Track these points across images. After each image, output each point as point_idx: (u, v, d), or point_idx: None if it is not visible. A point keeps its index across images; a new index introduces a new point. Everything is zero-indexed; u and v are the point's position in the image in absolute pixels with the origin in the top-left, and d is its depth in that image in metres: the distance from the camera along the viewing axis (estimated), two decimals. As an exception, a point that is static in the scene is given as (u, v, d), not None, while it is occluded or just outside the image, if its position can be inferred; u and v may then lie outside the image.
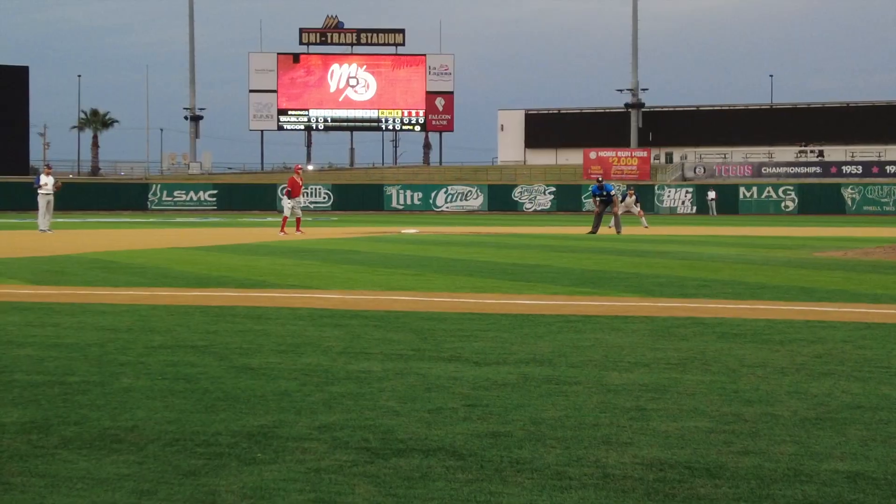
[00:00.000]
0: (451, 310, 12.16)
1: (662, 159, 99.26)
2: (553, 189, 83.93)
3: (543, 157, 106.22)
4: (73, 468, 5.27)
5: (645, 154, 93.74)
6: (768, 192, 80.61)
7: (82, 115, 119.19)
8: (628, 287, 15.19)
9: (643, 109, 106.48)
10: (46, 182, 36.44)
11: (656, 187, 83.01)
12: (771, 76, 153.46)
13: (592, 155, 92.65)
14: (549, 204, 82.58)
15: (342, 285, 15.47)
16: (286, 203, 36.04)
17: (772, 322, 10.99)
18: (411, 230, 40.54)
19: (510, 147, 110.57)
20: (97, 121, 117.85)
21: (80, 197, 79.97)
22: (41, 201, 36.38)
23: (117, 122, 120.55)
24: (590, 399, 6.95)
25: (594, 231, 37.92)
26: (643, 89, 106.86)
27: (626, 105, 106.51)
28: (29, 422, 6.25)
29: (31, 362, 8.38)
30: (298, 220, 36.07)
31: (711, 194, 79.58)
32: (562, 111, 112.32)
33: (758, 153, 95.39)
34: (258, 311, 12.00)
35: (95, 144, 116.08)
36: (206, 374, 7.86)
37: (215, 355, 8.73)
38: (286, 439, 5.83)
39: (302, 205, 37.17)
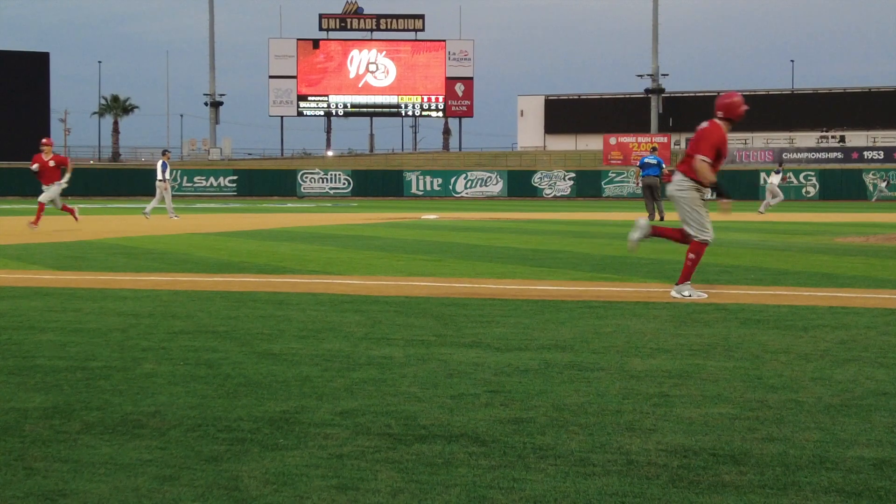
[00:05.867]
0: (472, 295, 12.13)
1: (683, 145, 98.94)
2: (573, 175, 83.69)
3: (563, 143, 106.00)
4: (96, 453, 5.27)
5: (665, 140, 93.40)
6: (789, 177, 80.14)
7: (103, 101, 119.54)
8: (650, 273, 15.13)
9: (663, 95, 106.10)
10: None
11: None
12: (792, 61, 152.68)
13: (612, 140, 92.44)
14: (569, 190, 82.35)
15: (363, 271, 15.45)
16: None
17: (794, 308, 10.92)
18: (431, 216, 40.51)
19: (530, 133, 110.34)
20: (118, 107, 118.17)
21: (101, 183, 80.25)
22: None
23: (137, 107, 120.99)
24: (612, 385, 6.92)
25: (652, 217, 32.71)
26: (663, 75, 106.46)
27: (647, 90, 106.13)
28: (51, 407, 6.25)
29: (52, 347, 8.38)
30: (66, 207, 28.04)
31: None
32: (582, 97, 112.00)
33: (778, 139, 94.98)
34: (279, 296, 11.99)
35: (116, 130, 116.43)
36: (227, 359, 7.85)
37: (237, 341, 8.72)
38: (308, 425, 5.81)
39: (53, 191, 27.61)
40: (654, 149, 38.44)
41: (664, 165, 35.13)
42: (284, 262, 17.10)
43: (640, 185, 35.10)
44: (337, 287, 13.09)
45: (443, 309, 10.81)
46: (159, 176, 36.55)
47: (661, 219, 33.06)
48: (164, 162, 36.98)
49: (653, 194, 34.40)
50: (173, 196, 36.12)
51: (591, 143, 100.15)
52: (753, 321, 9.94)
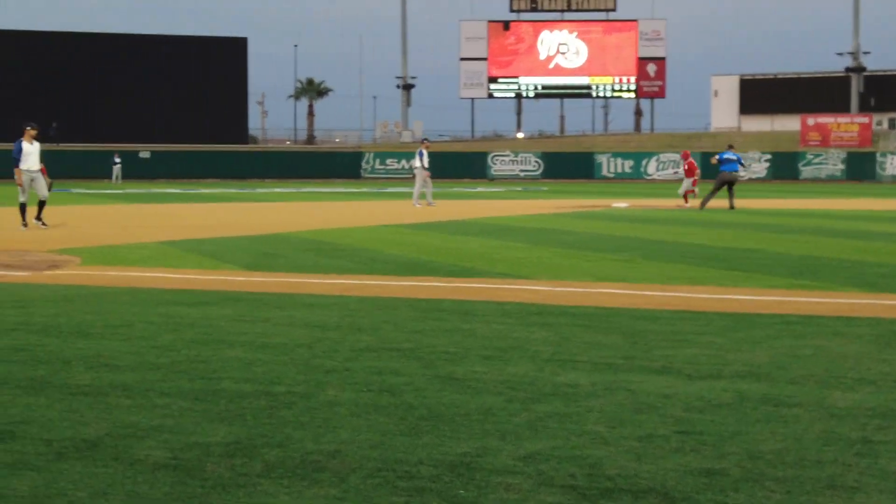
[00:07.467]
0: (663, 306, 11.77)
1: (885, 125, 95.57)
2: (769, 156, 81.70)
3: (758, 124, 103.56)
4: (275, 502, 5.17)
5: (866, 120, 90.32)
6: None
7: (298, 84, 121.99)
8: (850, 279, 14.46)
9: (865, 73, 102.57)
10: None
11: (878, 154, 79.90)
12: None
13: (810, 121, 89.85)
14: (765, 172, 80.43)
15: (551, 273, 15.22)
16: None
17: None
18: (622, 204, 40.04)
19: (723, 113, 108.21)
20: (312, 89, 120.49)
21: (297, 165, 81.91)
22: None
23: (332, 90, 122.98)
24: (812, 426, 6.53)
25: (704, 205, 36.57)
26: (865, 52, 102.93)
27: (847, 69, 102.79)
28: (234, 442, 6.21)
29: (239, 366, 8.39)
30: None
31: None
32: (778, 76, 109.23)
33: None
34: (465, 305, 11.83)
35: (311, 113, 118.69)
36: (410, 384, 7.73)
37: (421, 361, 8.59)
38: (489, 472, 5.62)
39: None
40: (730, 146, 39.67)
41: (743, 162, 37.93)
42: (472, 261, 16.99)
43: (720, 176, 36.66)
44: (524, 294, 12.87)
45: (632, 323, 10.49)
46: (416, 164, 37.93)
47: (732, 207, 35.14)
48: (421, 150, 38.34)
49: (730, 187, 36.18)
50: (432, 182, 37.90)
51: (788, 124, 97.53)
52: (964, 344, 9.34)
